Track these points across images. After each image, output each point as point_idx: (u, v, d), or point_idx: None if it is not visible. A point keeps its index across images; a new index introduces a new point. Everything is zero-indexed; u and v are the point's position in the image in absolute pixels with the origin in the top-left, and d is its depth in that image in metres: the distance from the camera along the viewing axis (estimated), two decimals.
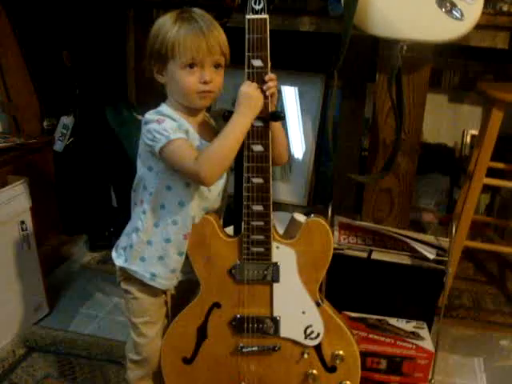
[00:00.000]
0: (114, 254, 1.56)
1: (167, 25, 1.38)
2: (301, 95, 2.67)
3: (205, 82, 1.38)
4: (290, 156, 2.66)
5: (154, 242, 1.49)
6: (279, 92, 2.66)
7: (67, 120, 2.53)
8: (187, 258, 1.52)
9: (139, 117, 2.32)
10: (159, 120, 1.37)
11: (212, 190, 1.48)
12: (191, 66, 1.37)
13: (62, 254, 2.53)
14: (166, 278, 1.52)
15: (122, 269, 1.54)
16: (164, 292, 1.57)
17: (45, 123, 2.58)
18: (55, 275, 2.39)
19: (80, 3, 2.31)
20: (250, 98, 1.36)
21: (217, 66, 1.40)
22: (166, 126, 1.37)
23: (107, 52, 2.47)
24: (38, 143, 2.27)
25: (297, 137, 2.68)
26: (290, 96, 2.68)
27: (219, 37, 1.39)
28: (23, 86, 2.52)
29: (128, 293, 1.56)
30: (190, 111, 1.45)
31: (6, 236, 2.00)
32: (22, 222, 2.05)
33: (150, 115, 1.41)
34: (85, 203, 2.57)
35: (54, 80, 2.51)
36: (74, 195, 2.54)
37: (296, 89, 2.68)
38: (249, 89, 1.36)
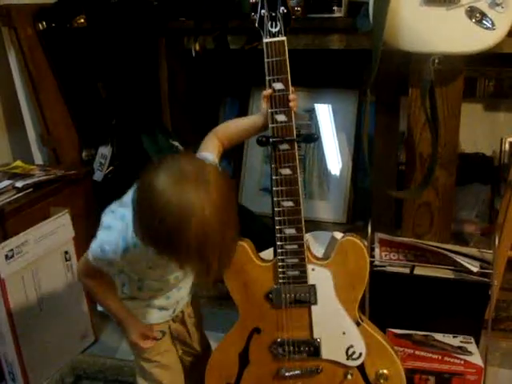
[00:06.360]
0: None
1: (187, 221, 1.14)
2: (335, 112, 2.67)
3: None
4: (328, 173, 2.67)
5: None
6: (313, 111, 2.66)
7: (105, 150, 2.57)
8: None
9: (175, 143, 2.35)
10: None
11: None
12: None
13: None
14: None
15: None
16: None
17: (83, 154, 2.62)
18: None
19: (112, 35, 2.36)
20: None
21: None
22: None
23: (141, 80, 2.51)
24: (78, 174, 2.31)
25: (333, 154, 2.67)
26: (324, 113, 2.68)
27: None
28: (61, 118, 2.57)
29: None
30: None
31: (51, 266, 2.04)
32: (66, 252, 2.09)
33: None
34: None
35: (91, 111, 2.55)
36: None
37: (330, 106, 2.68)
38: None
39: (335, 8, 2.07)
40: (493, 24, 1.68)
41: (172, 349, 1.60)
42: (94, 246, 1.32)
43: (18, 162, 2.34)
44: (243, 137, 1.48)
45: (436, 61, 1.77)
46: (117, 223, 1.31)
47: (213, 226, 1.14)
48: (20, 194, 2.06)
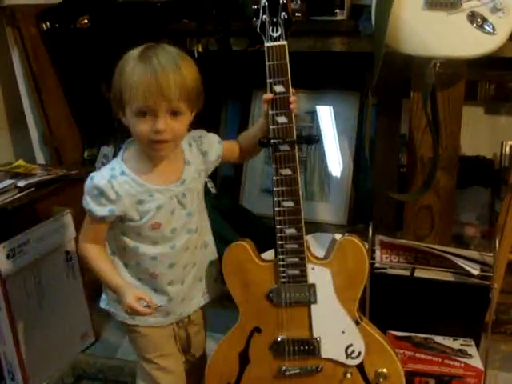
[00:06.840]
0: None
1: (127, 64, 1.32)
2: (336, 114, 2.67)
3: (157, 132, 1.30)
4: (329, 175, 2.67)
5: None
6: (315, 113, 2.67)
7: (107, 150, 2.58)
8: None
9: None
10: None
11: None
12: (143, 113, 1.30)
13: None
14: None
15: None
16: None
17: (85, 154, 2.64)
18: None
19: (115, 36, 2.36)
20: None
21: (174, 113, 1.31)
22: None
23: None
24: (80, 174, 2.30)
25: (334, 156, 2.67)
26: (326, 115, 2.68)
27: (178, 80, 1.29)
28: (63, 118, 2.58)
29: (134, 332, 1.53)
30: None
31: (52, 266, 2.05)
32: (67, 252, 2.10)
33: None
34: None
35: (93, 111, 2.56)
36: None
37: (331, 108, 2.68)
38: None
39: (337, 11, 2.08)
40: (494, 29, 1.68)
41: (176, 353, 1.60)
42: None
43: (20, 162, 2.35)
44: (254, 140, 1.50)
45: (437, 64, 1.78)
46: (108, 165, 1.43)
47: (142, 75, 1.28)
48: (22, 194, 2.06)
